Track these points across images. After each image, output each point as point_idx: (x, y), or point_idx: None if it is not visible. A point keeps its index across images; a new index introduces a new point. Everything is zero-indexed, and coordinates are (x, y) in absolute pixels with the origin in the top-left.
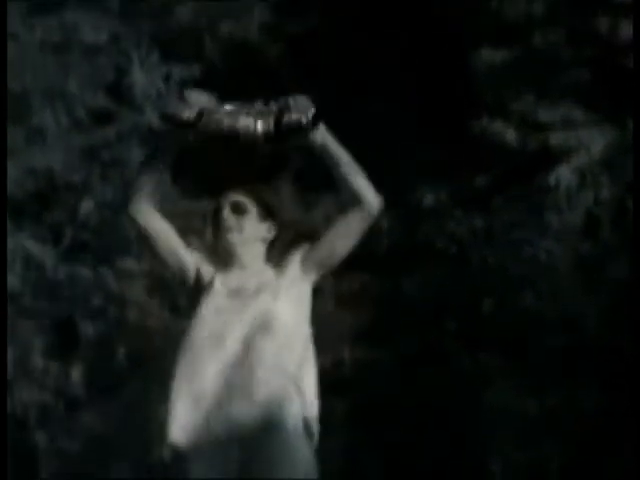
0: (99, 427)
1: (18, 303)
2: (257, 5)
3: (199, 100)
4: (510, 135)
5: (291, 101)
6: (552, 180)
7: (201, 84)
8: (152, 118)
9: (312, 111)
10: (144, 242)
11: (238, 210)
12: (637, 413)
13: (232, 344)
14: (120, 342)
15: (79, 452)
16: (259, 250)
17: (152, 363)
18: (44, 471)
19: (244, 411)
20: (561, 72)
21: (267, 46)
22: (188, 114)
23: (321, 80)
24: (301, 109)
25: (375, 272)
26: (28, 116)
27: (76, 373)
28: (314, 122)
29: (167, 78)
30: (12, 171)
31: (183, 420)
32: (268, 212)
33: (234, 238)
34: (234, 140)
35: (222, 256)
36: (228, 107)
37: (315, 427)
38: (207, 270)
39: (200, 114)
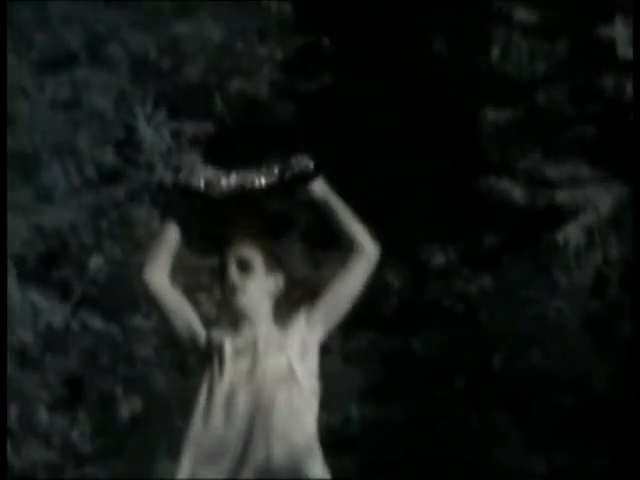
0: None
1: (26, 358)
2: (267, 63)
3: (207, 173)
4: (517, 193)
5: (293, 160)
6: (560, 239)
7: (211, 141)
8: (162, 175)
9: (313, 164)
10: (155, 309)
11: (244, 267)
12: None
13: (243, 401)
14: (127, 399)
15: None
16: (267, 306)
17: (159, 421)
18: None
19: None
20: (566, 129)
21: (277, 104)
22: (197, 183)
23: (330, 139)
24: (303, 165)
25: (383, 330)
26: (37, 174)
27: (82, 429)
28: (315, 173)
29: (177, 135)
30: (21, 229)
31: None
32: (275, 265)
33: (241, 298)
34: (240, 196)
35: (231, 313)
36: (234, 176)
37: None
38: (217, 335)
39: (208, 183)
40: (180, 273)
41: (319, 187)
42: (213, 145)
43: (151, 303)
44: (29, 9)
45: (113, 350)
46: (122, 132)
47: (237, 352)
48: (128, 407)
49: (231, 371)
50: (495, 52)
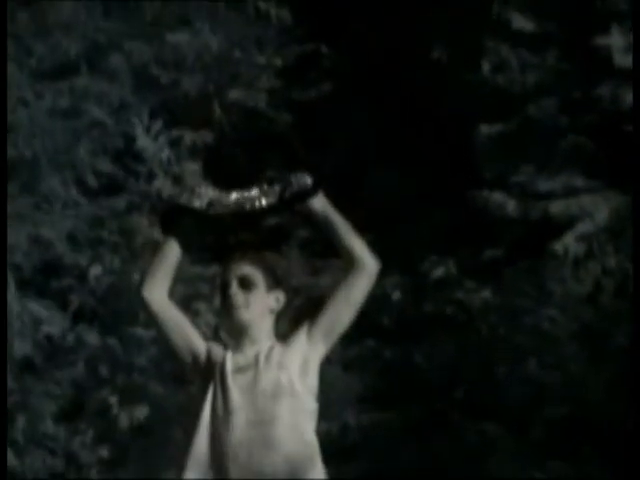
0: None
1: (28, 369)
2: (265, 72)
3: (208, 192)
4: (511, 206)
5: (292, 178)
6: (559, 249)
7: (210, 150)
8: (162, 185)
9: (312, 181)
10: (155, 325)
11: (245, 285)
12: None
13: (245, 418)
14: (127, 409)
15: None
16: (268, 322)
17: (158, 431)
18: None
19: (250, 474)
20: (560, 140)
21: (275, 112)
22: (199, 204)
23: (328, 147)
24: (302, 183)
25: (383, 340)
26: (36, 183)
27: (83, 439)
28: (313, 190)
29: (176, 145)
30: (20, 238)
31: None
32: (276, 280)
33: (243, 315)
34: (241, 213)
35: (232, 329)
36: (235, 195)
37: None
38: (217, 351)
39: (210, 203)
40: (179, 282)
41: (318, 203)
42: (212, 154)
43: (151, 319)
44: (29, 18)
45: (112, 360)
46: (121, 142)
47: (238, 369)
48: (128, 417)
49: (232, 388)
50: (486, 66)
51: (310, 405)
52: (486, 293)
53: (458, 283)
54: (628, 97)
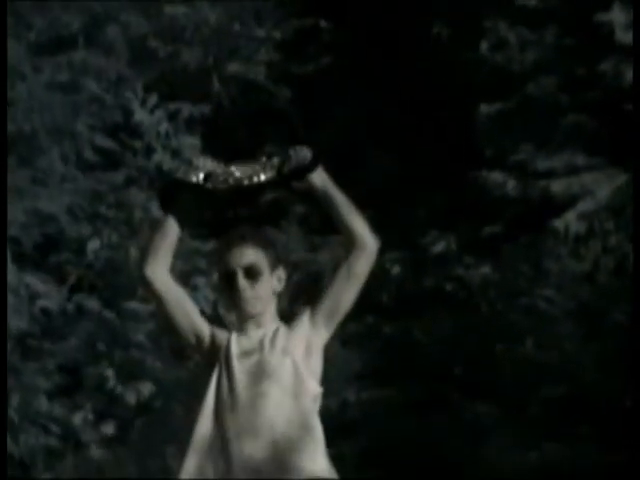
0: (105, 468)
1: (24, 345)
2: (264, 45)
3: (206, 165)
4: (510, 185)
5: (292, 152)
6: (560, 226)
7: (209, 123)
8: (160, 159)
9: (312, 155)
10: (157, 304)
11: (252, 274)
12: (634, 464)
13: (250, 403)
14: (125, 384)
15: None
16: (273, 304)
17: (157, 405)
18: None
19: (269, 463)
20: (561, 118)
21: (274, 86)
22: (196, 178)
23: (327, 122)
24: (301, 157)
25: (383, 316)
26: (34, 157)
27: (81, 415)
28: (313, 164)
29: (174, 118)
30: (18, 212)
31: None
32: (277, 258)
33: (253, 307)
34: (240, 188)
35: (238, 316)
36: (234, 168)
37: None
38: (222, 335)
39: (207, 177)
40: (178, 258)
41: (318, 178)
42: (211, 128)
43: (153, 298)
44: None
45: (109, 334)
46: (120, 116)
47: (244, 353)
48: (127, 392)
49: (238, 371)
50: (485, 44)
51: (314, 389)
52: (485, 269)
53: (458, 259)
54: (629, 74)
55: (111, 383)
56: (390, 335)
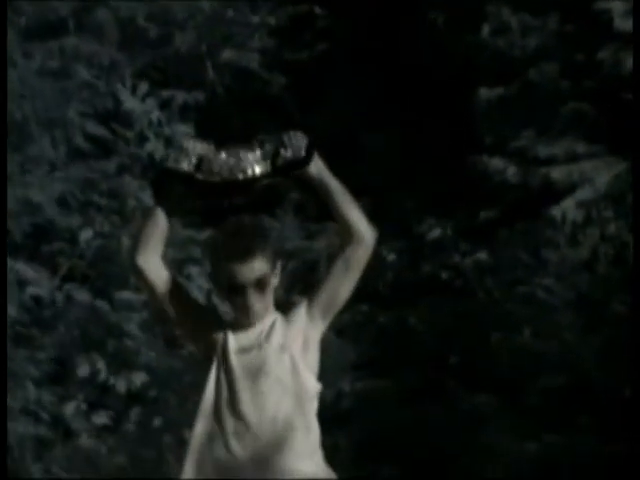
0: (96, 459)
1: (14, 333)
2: (258, 32)
3: (196, 149)
4: (510, 171)
5: (285, 138)
6: (557, 214)
7: (202, 111)
8: (153, 147)
9: (306, 144)
10: (150, 295)
11: (260, 286)
12: (634, 455)
13: (248, 401)
14: (118, 374)
15: None
16: (271, 298)
17: (151, 395)
18: None
19: (251, 455)
20: (561, 105)
21: (268, 73)
22: (187, 165)
23: (323, 109)
24: (296, 145)
25: (379, 304)
26: (25, 145)
27: (72, 405)
28: (308, 156)
29: (167, 105)
30: (9, 201)
31: (194, 477)
32: (275, 256)
33: (259, 313)
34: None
35: (237, 317)
36: (224, 154)
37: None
38: (217, 326)
39: (199, 163)
40: (171, 246)
41: (314, 167)
42: (204, 116)
43: (145, 289)
44: None
45: (102, 324)
46: (112, 103)
47: (242, 349)
48: (120, 382)
49: (236, 368)
50: (486, 28)
51: (313, 387)
52: (482, 255)
53: (454, 246)
54: (628, 62)
55: (103, 373)
56: (385, 324)
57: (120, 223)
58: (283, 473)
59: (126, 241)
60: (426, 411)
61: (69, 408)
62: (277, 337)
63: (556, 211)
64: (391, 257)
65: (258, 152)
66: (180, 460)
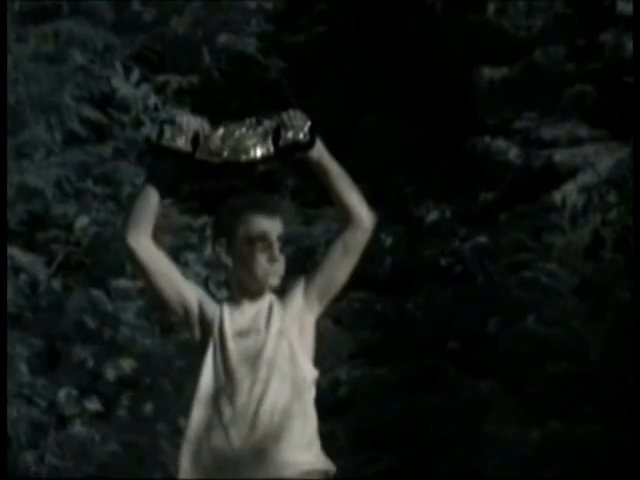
0: (90, 446)
1: (10, 321)
2: (256, 16)
3: (192, 125)
4: (513, 153)
5: (286, 118)
6: (558, 198)
7: (199, 95)
8: (149, 132)
9: (309, 126)
10: (142, 275)
11: (281, 245)
12: (638, 444)
13: (245, 391)
14: (112, 362)
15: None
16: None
17: (144, 383)
18: None
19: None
20: (565, 88)
21: (266, 57)
22: (182, 142)
23: (321, 93)
24: (297, 126)
25: (377, 290)
26: (20, 129)
27: (67, 392)
28: (312, 139)
29: (163, 90)
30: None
31: (192, 466)
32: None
33: (275, 281)
34: (232, 164)
35: (237, 287)
36: (222, 131)
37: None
38: (211, 306)
39: (195, 139)
40: (168, 233)
41: (316, 150)
42: (201, 100)
43: (137, 268)
44: None
45: (97, 311)
46: (107, 87)
47: (239, 332)
48: (115, 368)
49: (233, 354)
50: (491, 8)
51: (311, 375)
52: (482, 239)
53: (454, 230)
54: (630, 45)
55: (97, 360)
56: (384, 311)
57: (116, 210)
58: (281, 465)
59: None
60: (426, 398)
61: (62, 394)
62: (275, 322)
63: (557, 195)
64: (389, 241)
65: (260, 131)
66: (176, 448)
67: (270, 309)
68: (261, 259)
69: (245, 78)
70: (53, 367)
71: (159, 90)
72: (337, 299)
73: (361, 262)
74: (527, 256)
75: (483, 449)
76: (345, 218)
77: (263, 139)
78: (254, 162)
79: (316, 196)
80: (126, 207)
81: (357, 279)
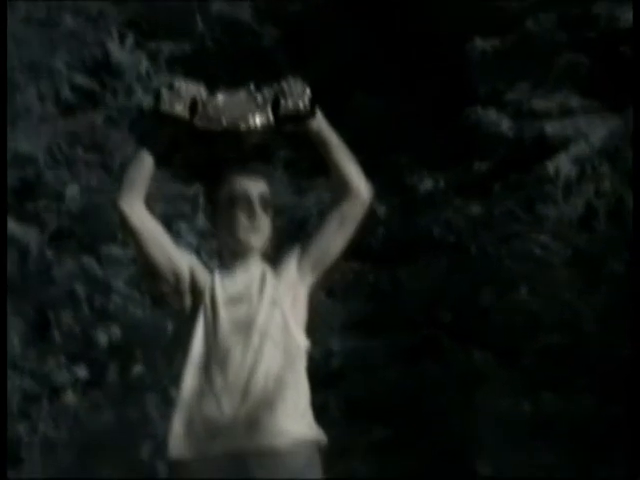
0: (80, 415)
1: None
2: None
3: (189, 91)
4: (505, 124)
5: (285, 86)
6: (551, 169)
7: (192, 64)
8: (140, 99)
9: (308, 96)
10: (133, 239)
11: (264, 205)
12: (632, 416)
13: (237, 359)
14: (103, 329)
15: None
16: (264, 239)
17: (135, 351)
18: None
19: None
20: (557, 58)
21: (260, 25)
22: (180, 108)
23: (316, 63)
24: (296, 95)
25: (370, 261)
26: (10, 97)
27: (57, 360)
28: (312, 109)
29: (155, 57)
30: None
31: (183, 435)
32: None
33: (255, 241)
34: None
35: (229, 253)
36: (220, 97)
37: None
38: (203, 273)
39: (193, 106)
40: (160, 201)
41: (316, 121)
42: (193, 68)
43: (128, 233)
44: None
45: (88, 280)
46: (99, 54)
47: (230, 300)
48: (105, 337)
49: (225, 321)
50: None
51: (303, 344)
52: (476, 209)
53: (448, 199)
54: (626, 15)
55: (89, 328)
56: (376, 281)
57: (107, 178)
58: (273, 434)
59: (113, 195)
60: (419, 370)
61: (53, 364)
62: (268, 291)
63: (550, 166)
64: (382, 211)
65: (259, 99)
66: (166, 418)
67: (263, 278)
68: (241, 217)
69: (239, 46)
70: (44, 336)
71: (152, 57)
72: (331, 271)
73: (356, 234)
74: (520, 227)
75: (476, 421)
76: (342, 190)
77: (262, 107)
78: (253, 131)
79: (308, 167)
80: (117, 175)
81: (350, 250)
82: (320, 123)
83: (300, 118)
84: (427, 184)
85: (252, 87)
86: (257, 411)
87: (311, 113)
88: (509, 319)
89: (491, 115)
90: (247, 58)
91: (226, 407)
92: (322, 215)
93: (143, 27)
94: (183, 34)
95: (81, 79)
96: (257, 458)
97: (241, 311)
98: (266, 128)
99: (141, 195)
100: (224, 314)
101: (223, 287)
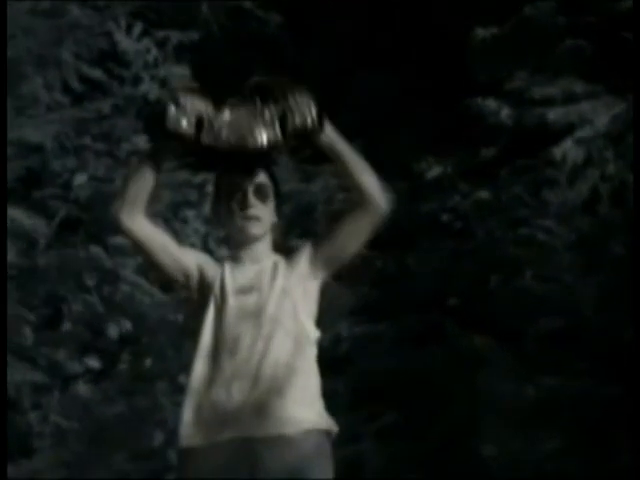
0: (91, 404)
1: (9, 280)
2: None
3: (195, 107)
4: (505, 113)
5: (292, 102)
6: (558, 154)
7: (198, 51)
8: (147, 88)
9: (316, 112)
10: (139, 251)
11: (260, 194)
12: (634, 399)
13: (247, 346)
14: (112, 319)
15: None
16: (269, 237)
17: (144, 340)
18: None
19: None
20: (558, 43)
21: (264, 12)
22: (186, 125)
23: (319, 49)
24: (303, 110)
25: (376, 247)
26: (18, 85)
27: (67, 351)
28: (320, 123)
29: (162, 45)
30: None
31: (193, 422)
32: (275, 189)
33: (256, 230)
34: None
35: (235, 243)
36: (227, 114)
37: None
38: (212, 269)
39: (199, 122)
40: (167, 189)
41: (326, 136)
42: (200, 56)
43: (135, 247)
44: None
45: (96, 269)
46: (106, 43)
47: (240, 289)
48: (115, 327)
49: (234, 310)
50: None
51: (313, 334)
52: (483, 194)
53: (454, 185)
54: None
55: (99, 318)
56: (384, 267)
57: (114, 166)
58: (283, 421)
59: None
60: (425, 354)
61: (63, 354)
62: (279, 281)
63: (557, 151)
64: (389, 197)
65: (266, 114)
66: (176, 405)
67: (275, 268)
68: (235, 207)
69: (244, 32)
70: (54, 327)
71: (159, 46)
72: (344, 267)
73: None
74: (525, 212)
75: (480, 404)
76: (359, 201)
77: (270, 124)
78: (261, 149)
79: (314, 153)
80: (124, 164)
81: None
82: (331, 137)
83: (308, 134)
84: (434, 170)
85: (258, 102)
86: (266, 398)
87: (319, 128)
88: (514, 303)
89: (490, 104)
90: (252, 44)
91: (235, 394)
92: (329, 202)
93: (149, 16)
94: (188, 21)
95: (88, 68)
96: (266, 445)
97: (251, 300)
98: (273, 145)
99: (142, 207)
100: (233, 302)
101: (233, 277)
